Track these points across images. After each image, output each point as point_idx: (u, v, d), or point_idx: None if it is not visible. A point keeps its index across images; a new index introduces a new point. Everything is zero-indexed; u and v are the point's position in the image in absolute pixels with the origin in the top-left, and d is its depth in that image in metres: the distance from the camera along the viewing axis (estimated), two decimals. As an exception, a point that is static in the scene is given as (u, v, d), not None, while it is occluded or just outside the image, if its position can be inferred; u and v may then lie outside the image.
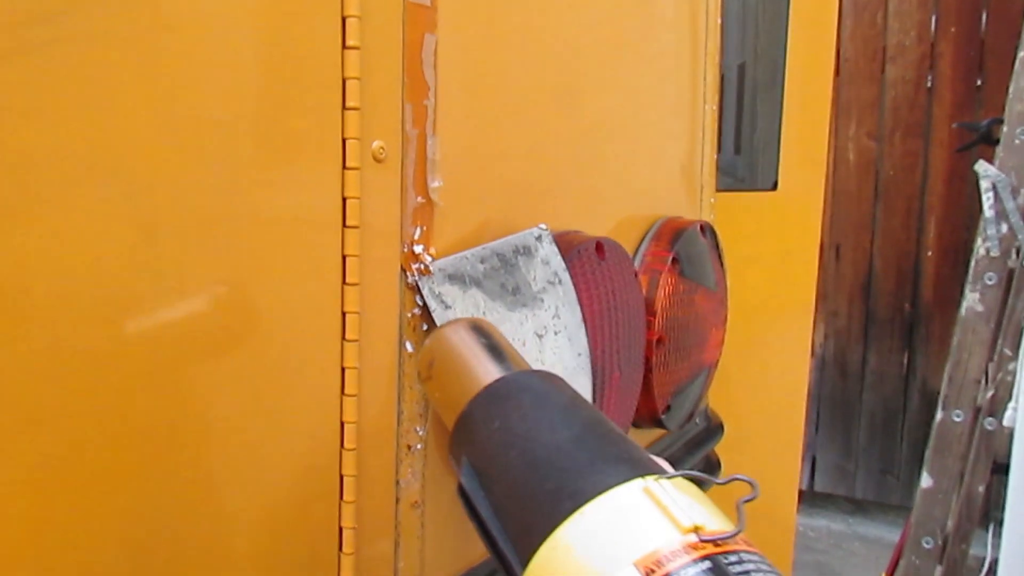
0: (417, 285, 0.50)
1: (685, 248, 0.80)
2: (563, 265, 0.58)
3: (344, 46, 0.44)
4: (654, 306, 0.76)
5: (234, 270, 0.41)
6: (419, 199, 0.51)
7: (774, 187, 1.37)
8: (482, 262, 0.54)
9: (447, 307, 0.52)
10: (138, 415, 0.38)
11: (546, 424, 0.35)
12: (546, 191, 0.64)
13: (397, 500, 0.53)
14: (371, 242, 0.47)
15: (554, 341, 0.56)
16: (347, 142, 0.45)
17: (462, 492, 0.36)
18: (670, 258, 0.77)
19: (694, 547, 0.26)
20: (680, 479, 0.30)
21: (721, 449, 1.10)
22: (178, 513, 0.40)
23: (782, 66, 1.37)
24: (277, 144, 0.42)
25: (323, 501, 0.48)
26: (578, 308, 0.58)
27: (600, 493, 0.29)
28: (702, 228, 0.83)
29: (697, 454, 0.96)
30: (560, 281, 0.57)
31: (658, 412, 0.78)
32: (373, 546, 0.51)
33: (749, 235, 1.36)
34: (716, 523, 0.28)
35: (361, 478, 0.49)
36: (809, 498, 3.09)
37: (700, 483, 0.31)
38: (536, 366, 0.54)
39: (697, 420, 0.99)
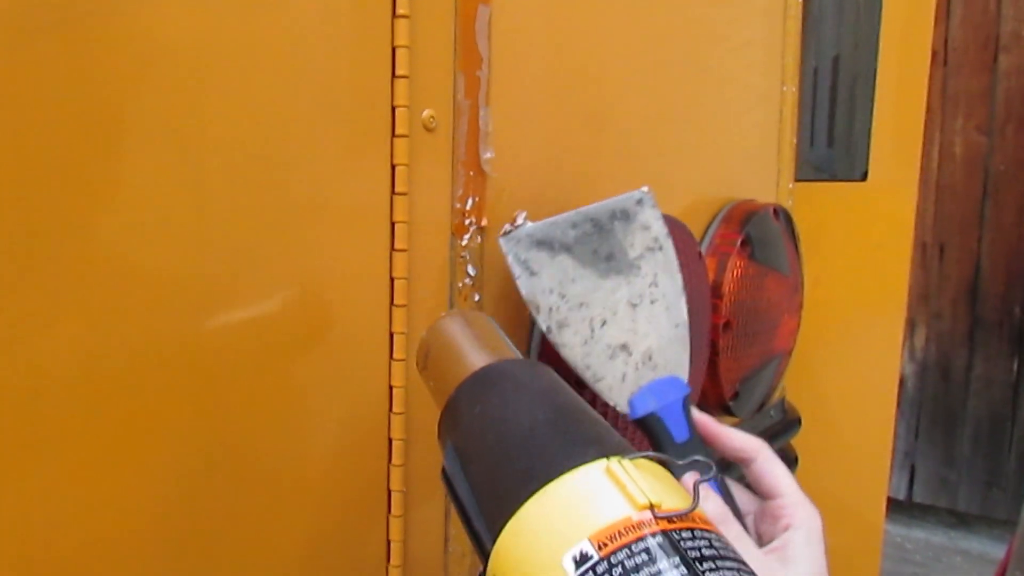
0: (503, 249, 0.50)
1: (756, 231, 0.78)
2: (665, 230, 0.56)
3: (394, 15, 0.45)
4: (721, 289, 0.74)
5: (281, 235, 0.43)
6: (471, 169, 0.51)
7: (863, 178, 1.31)
8: (573, 227, 0.53)
9: (533, 273, 0.52)
10: (188, 382, 0.39)
11: (523, 408, 0.37)
12: (605, 167, 0.64)
13: (447, 468, 0.54)
14: (420, 209, 0.48)
15: (649, 310, 0.55)
16: (396, 110, 0.46)
17: (444, 475, 0.38)
18: (739, 240, 0.75)
19: (648, 523, 0.28)
20: (643, 460, 0.32)
21: (805, 447, 1.06)
22: (232, 474, 0.42)
23: (875, 56, 1.32)
24: (326, 111, 0.44)
25: (372, 464, 0.49)
26: (679, 276, 0.56)
27: (564, 473, 0.31)
28: (775, 211, 0.81)
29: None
30: (661, 247, 0.55)
31: (725, 398, 0.77)
32: (422, 510, 0.52)
33: (837, 227, 1.31)
34: (673, 502, 0.29)
35: (410, 442, 0.50)
36: (907, 508, 2.95)
37: (667, 464, 0.33)
38: (628, 337, 0.54)
39: (772, 412, 0.96)
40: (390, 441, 0.49)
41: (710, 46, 0.78)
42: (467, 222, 0.52)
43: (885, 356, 1.47)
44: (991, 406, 2.78)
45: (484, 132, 0.52)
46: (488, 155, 0.52)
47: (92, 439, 0.36)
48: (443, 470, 0.38)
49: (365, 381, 0.48)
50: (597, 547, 0.28)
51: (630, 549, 0.27)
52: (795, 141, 0.95)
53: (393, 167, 0.47)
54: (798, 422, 1.02)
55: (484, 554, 0.33)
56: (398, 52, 0.45)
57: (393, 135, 0.46)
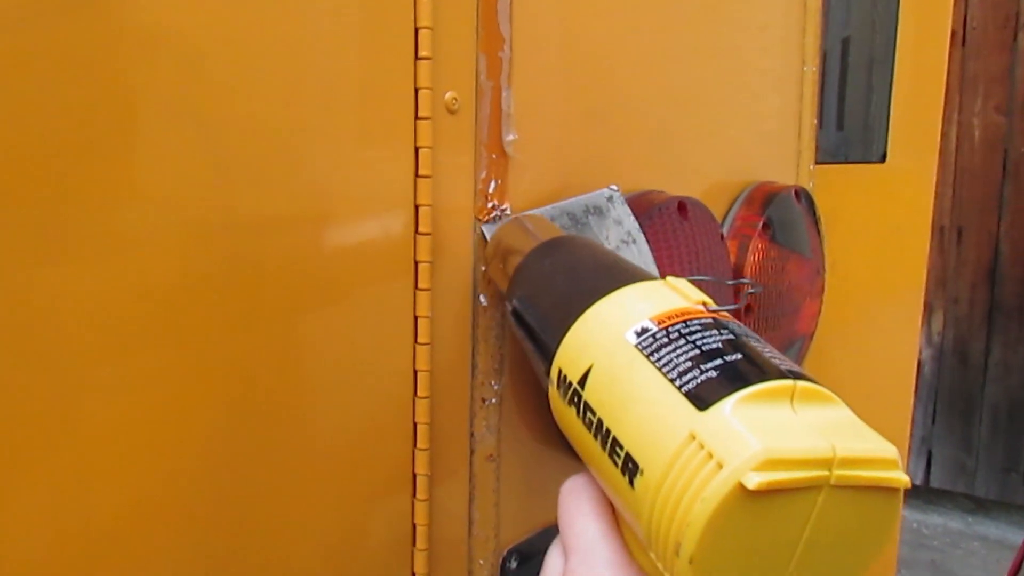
0: (486, 236, 0.50)
1: (778, 213, 0.77)
2: (636, 225, 0.57)
3: (417, -5, 0.45)
4: (743, 272, 0.73)
5: (305, 218, 0.42)
6: (493, 152, 0.51)
7: (882, 159, 1.30)
8: (551, 220, 0.53)
9: None
10: (211, 348, 0.39)
11: (589, 256, 0.42)
12: (627, 150, 0.63)
13: (472, 452, 0.54)
14: (443, 192, 0.48)
15: None
16: (419, 91, 0.46)
17: (515, 313, 0.43)
18: (761, 223, 0.75)
19: (701, 311, 0.32)
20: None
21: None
22: (251, 452, 0.42)
23: (893, 37, 1.30)
24: (349, 93, 0.43)
25: (397, 448, 0.49)
26: (655, 268, 0.57)
27: (629, 284, 0.36)
28: (797, 193, 0.80)
29: (791, 431, 0.93)
30: (634, 240, 0.56)
31: (746, 382, 0.76)
32: (447, 495, 0.52)
33: (855, 209, 1.29)
34: (717, 307, 0.34)
35: (434, 427, 0.50)
36: (924, 494, 2.94)
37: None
38: None
39: (792, 396, 0.96)
40: (415, 425, 0.49)
41: (729, 26, 0.77)
42: (490, 205, 0.51)
43: (903, 341, 1.46)
44: (1009, 391, 2.76)
45: (506, 114, 0.51)
46: (511, 137, 0.52)
47: (114, 408, 0.36)
48: (513, 311, 0.43)
49: (390, 365, 0.48)
50: (656, 323, 0.32)
51: (685, 323, 0.31)
52: (815, 122, 0.94)
53: (416, 150, 0.46)
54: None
55: (549, 356, 0.37)
56: (421, 33, 0.45)
57: (416, 117, 0.46)
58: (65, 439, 0.34)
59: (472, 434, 0.53)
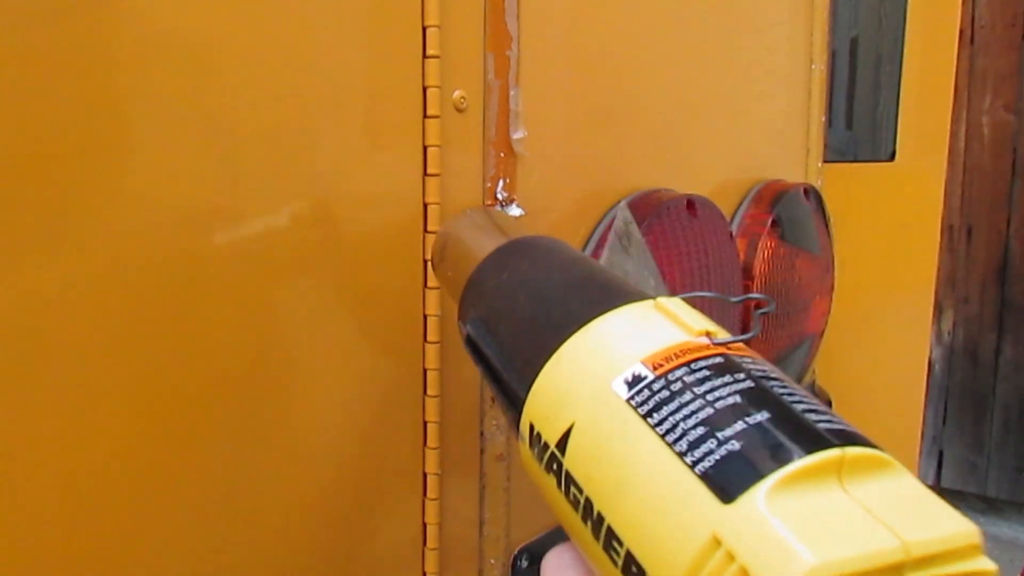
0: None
1: (787, 211, 0.77)
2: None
3: (425, -6, 0.45)
4: (752, 270, 0.73)
5: (314, 218, 0.42)
6: (501, 150, 0.51)
7: (891, 158, 1.29)
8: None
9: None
10: (218, 347, 0.39)
11: (557, 267, 0.35)
12: (636, 148, 0.63)
13: (482, 451, 0.53)
14: (452, 191, 0.48)
15: None
16: (427, 90, 0.46)
17: (469, 341, 0.36)
18: (770, 220, 0.74)
19: (706, 347, 0.26)
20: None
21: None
22: (260, 451, 0.42)
23: (901, 35, 1.30)
24: (357, 91, 0.43)
25: (408, 447, 0.49)
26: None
27: (609, 311, 0.28)
28: (805, 191, 0.80)
29: (801, 430, 0.92)
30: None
31: (756, 381, 0.76)
32: (458, 495, 0.52)
33: (864, 208, 1.29)
34: (726, 336, 0.27)
35: (445, 425, 0.50)
36: (936, 494, 2.91)
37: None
38: None
39: (802, 395, 0.95)
40: (425, 424, 0.49)
41: (737, 24, 0.77)
42: (499, 203, 0.51)
43: (913, 340, 1.45)
44: (1020, 390, 2.74)
45: (514, 112, 0.51)
46: (518, 135, 0.52)
47: (117, 405, 0.36)
48: (466, 337, 0.36)
49: (399, 363, 0.48)
50: (651, 368, 0.25)
51: (689, 367, 0.25)
52: (824, 120, 0.93)
53: (425, 148, 0.46)
54: (828, 405, 1.01)
55: (517, 404, 0.30)
56: (429, 32, 0.45)
57: (425, 116, 0.46)
58: (61, 439, 0.34)
59: (482, 433, 0.53)
